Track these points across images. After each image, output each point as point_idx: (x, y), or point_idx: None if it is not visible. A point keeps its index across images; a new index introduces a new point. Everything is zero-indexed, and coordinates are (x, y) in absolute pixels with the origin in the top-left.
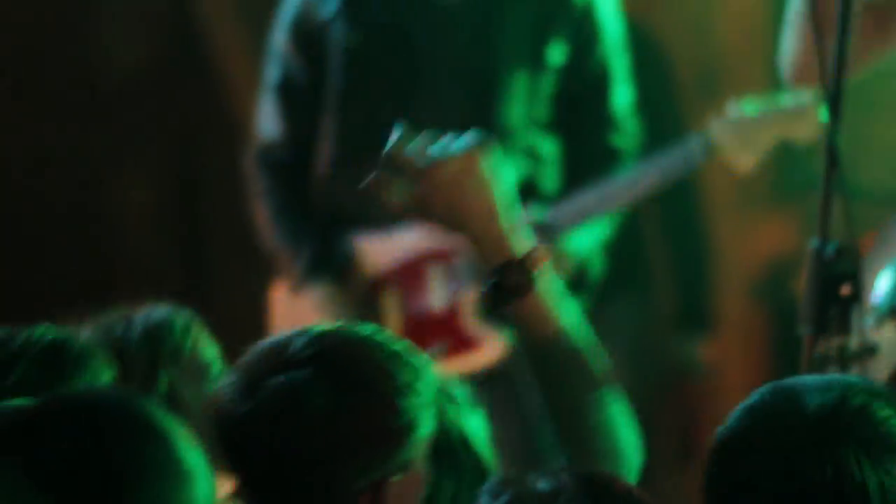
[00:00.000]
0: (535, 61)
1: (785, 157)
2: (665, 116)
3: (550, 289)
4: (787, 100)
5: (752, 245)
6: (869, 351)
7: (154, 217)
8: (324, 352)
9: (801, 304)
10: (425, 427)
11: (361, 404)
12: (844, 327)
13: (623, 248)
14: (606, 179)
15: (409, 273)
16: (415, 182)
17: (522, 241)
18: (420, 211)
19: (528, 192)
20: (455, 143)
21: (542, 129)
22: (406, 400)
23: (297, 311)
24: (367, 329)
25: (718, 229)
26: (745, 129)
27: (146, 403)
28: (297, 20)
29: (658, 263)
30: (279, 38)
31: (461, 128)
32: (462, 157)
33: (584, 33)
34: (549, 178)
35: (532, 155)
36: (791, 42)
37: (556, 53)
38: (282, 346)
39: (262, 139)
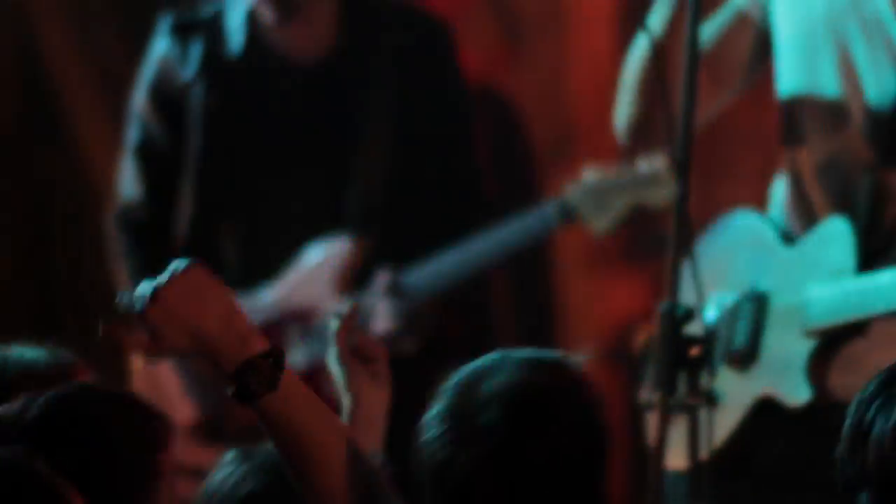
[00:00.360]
0: (393, 124)
1: (635, 219)
2: (520, 180)
3: (293, 382)
4: (642, 166)
5: (602, 307)
6: (710, 400)
7: (8, 280)
8: (42, 418)
9: (651, 366)
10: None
11: (83, 466)
12: (694, 389)
13: (471, 309)
14: (464, 244)
15: (268, 334)
16: (143, 323)
17: (261, 341)
18: (161, 344)
19: (385, 256)
20: (163, 275)
21: (398, 192)
22: (133, 447)
23: (155, 374)
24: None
25: (568, 291)
26: (601, 194)
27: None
28: (157, 82)
29: (505, 325)
30: (139, 99)
31: (319, 189)
32: (176, 278)
33: (437, 98)
34: (406, 242)
35: (389, 218)
36: (628, 105)
37: (413, 117)
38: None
39: (122, 200)
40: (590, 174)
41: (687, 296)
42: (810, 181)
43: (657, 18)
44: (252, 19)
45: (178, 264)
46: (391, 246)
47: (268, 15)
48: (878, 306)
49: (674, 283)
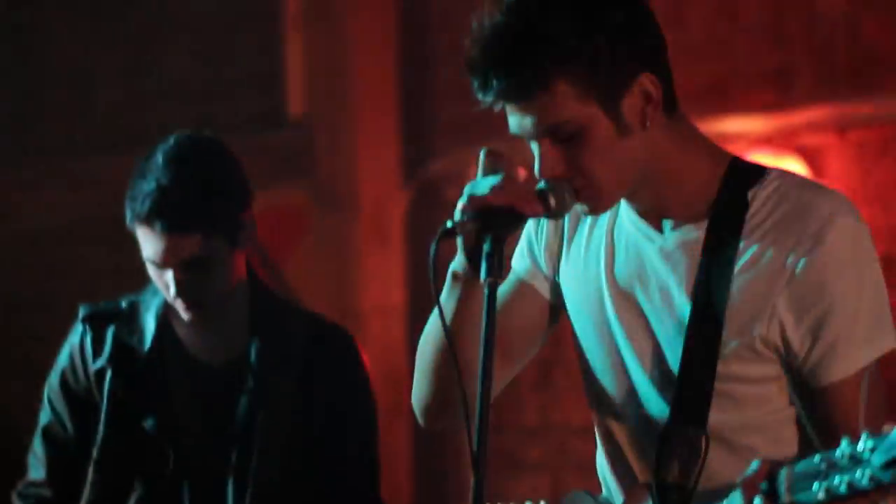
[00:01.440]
0: (292, 430)
1: None
2: None
3: None
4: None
5: None
6: None
7: None
8: None
9: None
10: None
11: None
12: None
13: None
14: None
15: None
16: None
17: None
18: None
19: None
20: None
21: (294, 480)
22: None
23: None
24: None
25: None
26: None
27: None
28: (70, 368)
29: None
30: (53, 382)
31: (215, 487)
32: None
33: (339, 406)
34: None
35: None
36: (422, 387)
37: (314, 424)
38: None
39: (28, 476)
40: None
41: None
42: (626, 447)
43: (449, 302)
44: (165, 316)
45: None
46: None
47: (181, 315)
48: None
49: None
